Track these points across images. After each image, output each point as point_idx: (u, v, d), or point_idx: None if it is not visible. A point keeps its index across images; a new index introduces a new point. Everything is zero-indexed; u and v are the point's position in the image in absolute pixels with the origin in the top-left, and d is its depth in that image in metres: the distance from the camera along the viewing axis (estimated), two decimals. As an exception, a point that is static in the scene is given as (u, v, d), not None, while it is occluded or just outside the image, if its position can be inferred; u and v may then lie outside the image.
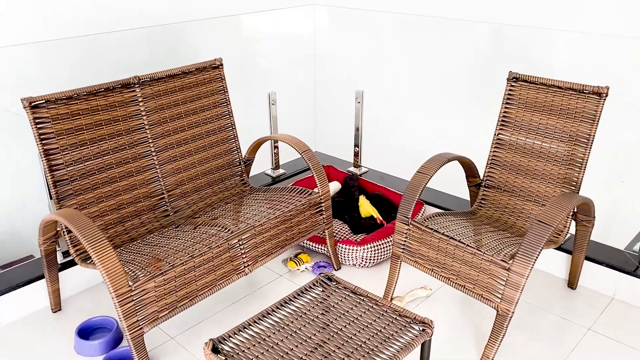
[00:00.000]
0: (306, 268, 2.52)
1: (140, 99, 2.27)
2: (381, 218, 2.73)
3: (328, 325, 1.63)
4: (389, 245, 2.53)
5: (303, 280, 2.46)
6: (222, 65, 2.54)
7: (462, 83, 3.26)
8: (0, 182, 2.69)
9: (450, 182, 2.86)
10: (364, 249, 2.48)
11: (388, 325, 1.62)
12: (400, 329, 1.61)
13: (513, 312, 1.87)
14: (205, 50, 3.24)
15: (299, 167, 3.27)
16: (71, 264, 2.34)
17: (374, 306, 1.71)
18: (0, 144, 2.62)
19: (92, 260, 2.02)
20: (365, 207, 2.77)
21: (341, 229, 2.71)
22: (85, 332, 2.10)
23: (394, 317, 1.66)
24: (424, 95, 3.44)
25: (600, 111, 2.08)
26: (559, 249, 2.44)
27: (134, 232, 2.23)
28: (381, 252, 2.51)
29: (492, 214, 2.36)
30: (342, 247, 2.51)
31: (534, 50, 2.91)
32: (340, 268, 2.54)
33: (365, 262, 2.51)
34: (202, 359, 2.00)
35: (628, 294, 2.29)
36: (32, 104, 1.97)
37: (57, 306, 2.25)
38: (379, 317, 1.65)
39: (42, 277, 2.24)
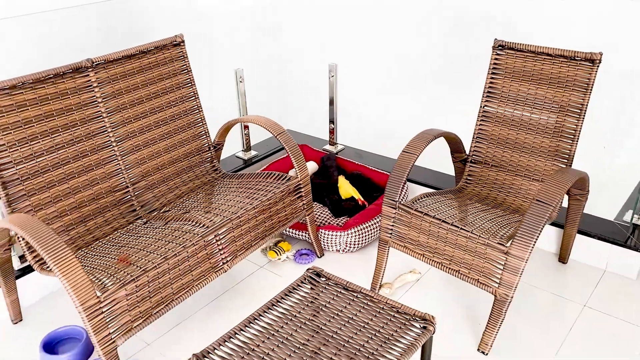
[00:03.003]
0: (287, 257, 2.38)
1: (95, 84, 2.04)
2: (362, 199, 2.59)
3: (322, 328, 1.49)
4: (373, 229, 2.41)
5: (285, 271, 2.32)
6: (183, 42, 2.31)
7: (441, 53, 3.11)
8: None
9: (433, 158, 2.74)
10: (347, 234, 2.35)
11: (387, 324, 1.50)
12: (400, 327, 1.49)
13: (512, 297, 1.78)
14: (161, 28, 2.98)
15: (271, 148, 3.09)
16: (29, 269, 2.13)
17: (369, 303, 1.58)
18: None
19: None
20: (345, 188, 2.63)
21: (321, 212, 2.57)
22: (52, 344, 1.91)
23: (392, 314, 1.53)
24: (401, 67, 3.28)
25: (594, 79, 1.97)
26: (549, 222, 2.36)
27: (98, 231, 2.03)
28: (365, 236, 2.38)
29: (480, 190, 2.25)
30: (324, 233, 2.37)
31: (517, 17, 2.77)
32: (323, 255, 2.41)
33: (349, 247, 2.38)
34: (183, 366, 1.85)
35: (620, 266, 2.23)
36: (-30, 96, 1.73)
37: (17, 317, 2.05)
38: (375, 316, 1.53)
39: (-3, 287, 2.03)
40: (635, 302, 2.09)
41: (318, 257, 2.39)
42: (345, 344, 1.44)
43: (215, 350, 1.42)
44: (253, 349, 1.43)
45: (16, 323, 2.05)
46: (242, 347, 1.43)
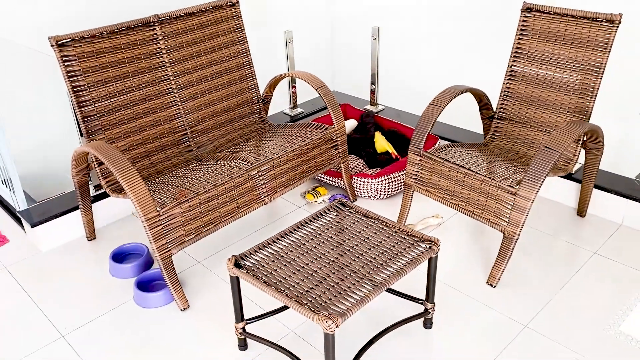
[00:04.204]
0: (323, 200, 2.64)
1: (160, 37, 2.35)
2: (396, 153, 2.80)
3: (341, 244, 1.75)
4: (403, 178, 2.62)
5: (320, 211, 2.58)
6: (238, 2, 2.58)
7: (479, 16, 3.23)
8: (36, 122, 2.83)
9: (466, 118, 2.90)
10: (378, 182, 2.58)
11: (397, 243, 1.73)
12: (408, 247, 1.72)
13: (519, 235, 1.96)
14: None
15: (317, 106, 3.34)
16: (103, 196, 2.49)
17: (384, 227, 1.82)
18: (33, 83, 2.75)
19: (122, 190, 2.16)
20: (381, 143, 2.85)
21: (357, 164, 2.80)
22: (119, 257, 2.27)
23: (403, 236, 1.77)
24: (441, 31, 3.43)
25: (613, 39, 2.09)
26: (570, 178, 2.50)
27: (160, 165, 2.36)
28: (395, 184, 2.61)
29: (504, 145, 2.42)
30: (357, 180, 2.61)
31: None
32: (355, 200, 2.65)
33: (380, 194, 2.61)
34: (226, 279, 2.16)
35: (636, 220, 2.35)
36: (59, 42, 2.07)
37: (92, 235, 2.43)
38: (388, 237, 1.77)
39: (77, 208, 2.40)
40: (646, 253, 2.22)
41: (351, 201, 2.64)
42: (359, 256, 1.69)
43: (252, 255, 1.71)
44: (282, 256, 1.70)
45: (90, 240, 2.43)
46: (273, 254, 1.71)
